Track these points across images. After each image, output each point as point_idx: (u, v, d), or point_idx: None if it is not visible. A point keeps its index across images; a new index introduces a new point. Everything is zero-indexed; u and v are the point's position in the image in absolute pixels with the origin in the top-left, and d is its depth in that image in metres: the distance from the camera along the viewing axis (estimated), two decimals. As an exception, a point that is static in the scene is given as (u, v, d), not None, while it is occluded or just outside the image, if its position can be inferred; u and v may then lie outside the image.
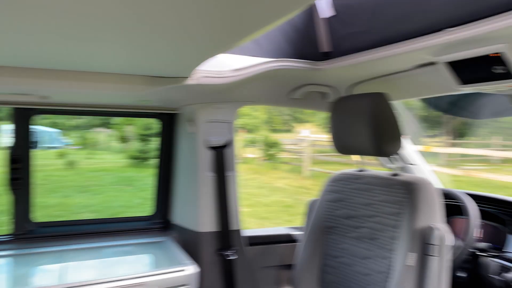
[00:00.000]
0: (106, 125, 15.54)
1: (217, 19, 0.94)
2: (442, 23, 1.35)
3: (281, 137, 18.46)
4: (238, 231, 2.27)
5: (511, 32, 1.20)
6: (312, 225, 2.02)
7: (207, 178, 2.19)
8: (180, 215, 2.43)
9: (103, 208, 8.33)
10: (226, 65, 1.82)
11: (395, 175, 1.78)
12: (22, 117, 2.11)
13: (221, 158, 2.19)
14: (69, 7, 0.85)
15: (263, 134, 16.76)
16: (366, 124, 1.64)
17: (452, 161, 15.52)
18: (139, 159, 12.47)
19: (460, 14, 1.29)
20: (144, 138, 12.70)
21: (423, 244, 1.57)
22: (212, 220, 2.22)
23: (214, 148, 2.19)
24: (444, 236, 1.56)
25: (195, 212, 2.22)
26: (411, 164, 2.57)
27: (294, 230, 2.58)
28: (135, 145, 13.05)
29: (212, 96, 2.02)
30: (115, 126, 14.78)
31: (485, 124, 19.75)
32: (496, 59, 1.33)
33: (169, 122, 2.43)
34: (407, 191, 1.65)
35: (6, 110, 2.14)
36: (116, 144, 14.81)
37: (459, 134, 19.85)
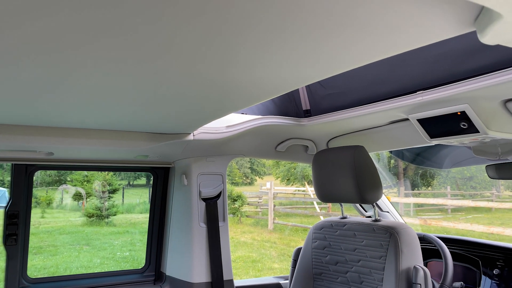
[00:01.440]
0: (61, 182, 14.94)
1: (235, 83, 1.09)
2: (415, 85, 1.58)
3: (243, 191, 18.44)
4: (231, 281, 2.30)
5: (472, 95, 1.43)
6: (300, 273, 2.10)
7: (201, 229, 2.25)
8: (173, 267, 2.43)
9: (61, 270, 7.84)
10: (218, 122, 1.96)
11: (376, 220, 1.93)
12: (22, 173, 2.11)
13: (213, 209, 2.26)
14: (86, 77, 0.93)
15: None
16: (349, 175, 1.80)
17: (409, 211, 16.10)
18: (97, 216, 11.98)
19: (430, 79, 1.52)
20: (103, 195, 12.31)
21: (409, 284, 1.69)
22: (205, 270, 2.25)
23: (206, 199, 2.27)
24: (428, 276, 1.69)
25: (189, 263, 2.25)
26: (386, 211, 2.75)
27: (282, 279, 2.63)
28: (93, 203, 12.57)
29: (206, 150, 2.14)
30: (71, 183, 14.25)
31: (438, 174, 20.85)
32: (461, 117, 1.55)
33: (162, 176, 2.50)
34: (390, 235, 1.79)
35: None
36: (72, 202, 14.18)
37: (414, 185, 20.78)
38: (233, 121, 1.98)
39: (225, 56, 0.86)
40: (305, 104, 2.11)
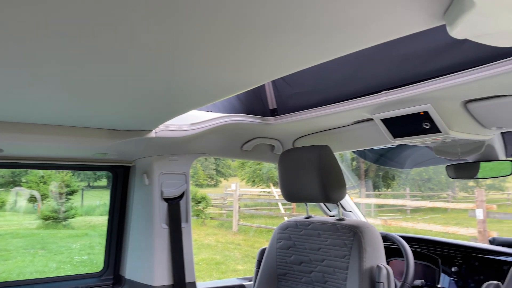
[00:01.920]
0: (15, 183, 14.24)
1: (198, 78, 1.05)
2: (379, 85, 1.59)
3: (208, 192, 18.29)
4: (193, 283, 2.24)
5: (434, 95, 1.45)
6: (264, 273, 2.07)
7: (162, 231, 2.17)
8: (133, 270, 2.34)
9: (14, 276, 7.45)
10: (182, 119, 1.90)
11: (340, 219, 1.94)
12: None
13: (176, 209, 2.19)
14: (32, 61, 0.87)
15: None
16: (314, 174, 1.80)
17: (370, 211, 16.53)
18: (54, 219, 11.50)
19: (395, 79, 1.53)
20: (61, 197, 11.83)
21: (372, 282, 1.70)
22: (167, 273, 2.17)
23: (169, 199, 2.19)
24: (391, 274, 1.71)
25: (150, 265, 2.16)
26: (349, 211, 2.78)
27: (246, 281, 2.60)
28: (50, 205, 12.06)
29: (168, 148, 2.07)
30: (26, 184, 13.60)
31: (398, 176, 21.56)
32: (424, 117, 1.58)
33: (122, 175, 2.39)
34: (354, 234, 1.80)
35: None
36: (27, 204, 13.53)
37: (375, 186, 21.38)
38: (197, 119, 1.92)
39: (183, 52, 0.84)
40: (272, 103, 2.09)
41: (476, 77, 1.26)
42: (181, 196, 2.23)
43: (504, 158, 2.04)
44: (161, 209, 2.18)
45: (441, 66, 1.39)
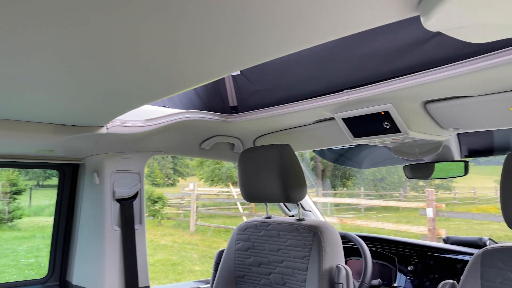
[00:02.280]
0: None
1: (148, 72, 0.98)
2: (342, 84, 1.57)
3: (165, 192, 17.92)
4: (147, 287, 2.13)
5: (395, 95, 1.45)
6: (222, 275, 2.01)
7: (114, 233, 2.04)
8: (80, 275, 2.18)
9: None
10: (136, 115, 1.79)
11: (300, 220, 1.91)
12: None
13: (128, 210, 2.07)
14: None
15: (145, 188, 16.10)
16: (275, 173, 1.76)
17: (327, 210, 16.87)
18: (-4, 220, 10.82)
19: (357, 78, 1.52)
20: (4, 196, 11.14)
21: (331, 283, 1.68)
22: (118, 277, 2.04)
23: (121, 200, 2.07)
24: (350, 275, 1.70)
25: (99, 270, 2.03)
26: (309, 210, 2.77)
27: (203, 283, 2.51)
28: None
29: (121, 145, 1.95)
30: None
31: (353, 175, 22.17)
32: (384, 116, 1.58)
33: (70, 174, 2.23)
34: (313, 234, 1.78)
35: None
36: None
37: (331, 185, 21.85)
38: (153, 114, 1.82)
39: (134, 45, 0.78)
40: (232, 100, 2.03)
41: (437, 77, 1.27)
42: (134, 196, 2.11)
43: (459, 159, 2.09)
44: (113, 210, 2.05)
45: (403, 66, 1.39)
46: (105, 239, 2.03)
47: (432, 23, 0.60)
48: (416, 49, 1.34)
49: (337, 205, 18.00)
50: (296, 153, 2.35)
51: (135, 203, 2.11)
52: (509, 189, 1.29)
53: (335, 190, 22.26)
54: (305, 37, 0.80)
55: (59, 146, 1.76)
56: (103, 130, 1.65)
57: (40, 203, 14.30)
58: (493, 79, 1.25)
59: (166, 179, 34.59)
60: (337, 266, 1.71)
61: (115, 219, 2.05)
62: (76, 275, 2.22)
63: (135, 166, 2.10)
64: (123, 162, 2.06)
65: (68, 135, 1.58)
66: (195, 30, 0.73)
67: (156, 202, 14.79)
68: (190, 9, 0.65)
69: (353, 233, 2.34)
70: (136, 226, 2.11)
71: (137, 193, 2.12)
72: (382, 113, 1.57)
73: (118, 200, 2.06)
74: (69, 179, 2.22)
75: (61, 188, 2.23)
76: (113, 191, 2.04)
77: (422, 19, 0.62)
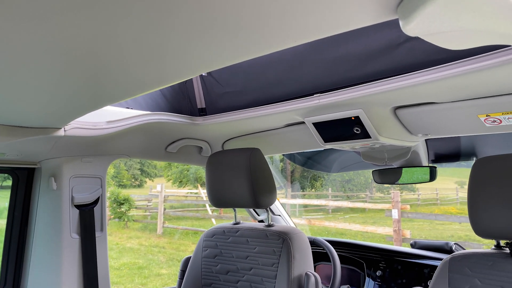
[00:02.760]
0: None
1: (109, 72, 0.91)
2: (312, 88, 1.54)
3: (132, 193, 17.51)
4: None
5: (365, 100, 1.44)
6: (188, 284, 1.94)
7: (72, 241, 1.92)
8: (36, 286, 2.04)
9: None
10: (98, 116, 1.70)
11: (269, 225, 1.87)
12: None
13: (89, 217, 1.96)
14: None
15: (111, 190, 15.69)
16: (244, 178, 1.71)
17: (295, 211, 17.00)
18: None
19: (327, 82, 1.49)
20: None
21: None
22: None
23: (81, 206, 1.95)
24: (319, 282, 1.67)
25: (56, 280, 1.90)
26: (278, 215, 2.73)
27: None
28: None
29: (81, 149, 1.84)
30: None
31: (321, 177, 22.47)
32: (355, 122, 1.56)
33: (24, 178, 2.08)
34: (283, 241, 1.74)
35: None
36: None
37: (300, 186, 22.06)
38: (115, 116, 1.72)
39: (96, 41, 0.73)
40: (200, 102, 1.96)
41: (407, 83, 1.25)
42: (95, 202, 2.00)
43: (427, 164, 2.12)
44: (72, 216, 1.93)
45: (374, 71, 1.38)
46: (62, 248, 1.90)
47: (411, 28, 0.56)
48: (388, 54, 1.33)
49: (305, 206, 18.18)
50: (266, 156, 2.31)
51: (96, 209, 2.00)
52: (477, 196, 1.29)
53: (304, 191, 22.49)
54: (276, 40, 0.75)
55: (11, 149, 1.64)
56: (61, 133, 1.55)
57: (-3, 205, 13.64)
58: (462, 86, 1.25)
59: (133, 180, 33.89)
60: (306, 274, 1.68)
61: (74, 226, 1.93)
62: (31, 285, 2.08)
63: (96, 170, 1.99)
64: (83, 166, 1.94)
65: (22, 137, 1.46)
66: (158, 29, 0.68)
67: (122, 204, 14.42)
68: (152, 8, 0.60)
69: (322, 238, 2.32)
70: (97, 234, 2.00)
71: (98, 198, 2.01)
72: (353, 118, 1.55)
73: (78, 206, 1.94)
74: (23, 184, 2.08)
75: (14, 193, 2.08)
76: (71, 196, 1.93)
77: (401, 23, 0.58)
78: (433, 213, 15.44)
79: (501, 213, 1.23)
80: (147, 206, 17.44)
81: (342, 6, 0.59)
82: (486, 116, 1.40)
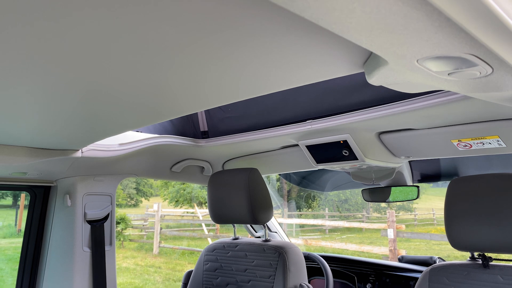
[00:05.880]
0: None
1: (129, 103, 1.07)
2: (305, 115, 1.72)
3: (128, 213, 17.47)
4: None
5: (352, 126, 1.61)
6: None
7: (84, 254, 2.06)
8: None
9: None
10: (111, 138, 1.86)
11: (266, 240, 2.01)
12: None
13: (99, 232, 2.10)
14: None
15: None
16: (243, 196, 1.86)
17: (292, 231, 16.97)
18: None
19: (319, 109, 1.67)
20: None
21: None
22: None
23: (92, 222, 2.10)
24: None
25: None
26: (274, 232, 2.87)
27: None
28: None
29: (94, 168, 1.99)
30: None
31: (318, 197, 22.50)
32: (343, 145, 1.74)
33: (41, 196, 2.23)
34: (279, 254, 1.88)
35: None
36: None
37: (297, 206, 22.07)
38: (127, 139, 1.89)
39: (122, 71, 0.81)
40: (203, 126, 2.13)
41: (388, 112, 1.43)
42: (105, 218, 2.15)
43: (411, 184, 2.29)
44: (84, 231, 2.07)
45: (359, 100, 1.56)
46: (74, 261, 2.04)
47: (373, 81, 0.74)
48: (371, 86, 1.51)
49: (302, 226, 18.17)
50: (263, 176, 2.47)
51: (106, 224, 2.14)
52: (452, 212, 1.45)
53: (300, 211, 22.49)
54: (267, 85, 0.93)
55: (33, 168, 1.79)
56: (78, 154, 1.71)
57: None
58: (436, 115, 1.43)
59: (128, 199, 33.69)
60: (300, 285, 1.82)
61: (85, 240, 2.07)
62: None
63: (107, 188, 2.14)
64: (95, 184, 2.10)
65: (43, 158, 1.61)
66: (175, 71, 0.83)
67: (118, 223, 14.40)
68: (171, 51, 0.70)
69: (316, 253, 2.46)
70: (107, 248, 2.13)
71: (108, 214, 2.16)
72: (341, 141, 1.72)
73: (89, 222, 2.09)
74: (40, 201, 2.22)
75: (31, 210, 2.22)
76: (84, 213, 2.07)
77: (366, 77, 0.76)
78: (429, 232, 15.49)
79: (474, 228, 1.39)
80: (143, 225, 17.38)
81: (320, 62, 0.76)
82: (458, 141, 1.58)
